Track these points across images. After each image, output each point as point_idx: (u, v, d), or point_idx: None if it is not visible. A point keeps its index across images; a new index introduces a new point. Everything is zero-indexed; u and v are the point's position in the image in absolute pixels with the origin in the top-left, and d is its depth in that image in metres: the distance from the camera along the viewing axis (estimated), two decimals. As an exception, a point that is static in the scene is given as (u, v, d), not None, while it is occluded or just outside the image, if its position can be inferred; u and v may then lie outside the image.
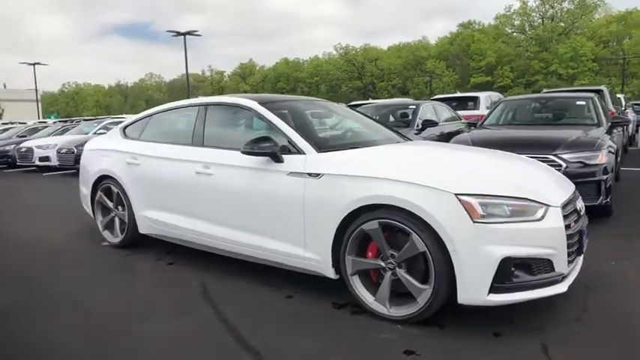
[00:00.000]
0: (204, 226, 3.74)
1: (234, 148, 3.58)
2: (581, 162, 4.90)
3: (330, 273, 3.08)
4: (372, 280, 2.98)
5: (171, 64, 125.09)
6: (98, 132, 13.80)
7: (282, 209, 3.23)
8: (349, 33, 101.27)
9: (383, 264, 2.86)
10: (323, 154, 3.22)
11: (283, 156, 3.26)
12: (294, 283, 3.42)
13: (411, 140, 4.21)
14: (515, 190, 2.69)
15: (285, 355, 2.50)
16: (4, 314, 3.12)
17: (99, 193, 4.68)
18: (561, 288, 2.67)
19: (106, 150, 4.67)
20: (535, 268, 2.60)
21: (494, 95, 13.02)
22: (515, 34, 57.74)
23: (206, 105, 4.05)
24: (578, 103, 6.60)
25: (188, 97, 35.75)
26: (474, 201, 2.58)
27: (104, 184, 4.62)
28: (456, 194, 2.60)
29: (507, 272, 2.55)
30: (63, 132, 15.30)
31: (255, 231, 3.42)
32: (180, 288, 3.51)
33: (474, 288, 2.56)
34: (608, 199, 4.95)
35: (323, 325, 2.86)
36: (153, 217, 4.17)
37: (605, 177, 4.89)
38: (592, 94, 6.61)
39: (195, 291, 3.44)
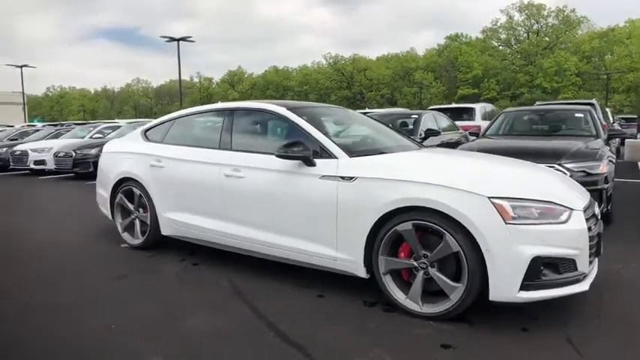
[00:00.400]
0: (232, 227, 3.85)
1: (265, 151, 3.73)
2: (584, 171, 5.11)
3: (362, 272, 3.22)
4: (402, 278, 3.13)
5: (159, 69, 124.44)
6: (94, 136, 13.79)
7: (314, 211, 3.37)
8: (338, 42, 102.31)
9: (415, 263, 3.01)
10: (355, 158, 3.37)
11: (315, 160, 3.40)
12: (323, 282, 3.55)
13: (427, 147, 4.39)
14: (541, 195, 2.88)
15: (330, 348, 2.62)
16: (58, 309, 3.19)
17: (119, 195, 4.76)
18: (583, 286, 2.84)
19: (127, 153, 4.75)
20: (561, 267, 2.78)
21: (489, 107, 13.41)
22: (501, 47, 58.98)
23: (232, 110, 4.18)
24: (576, 115, 6.88)
25: (180, 104, 35.58)
26: (505, 204, 2.75)
27: (125, 186, 4.70)
28: (489, 197, 2.78)
29: (536, 271, 2.72)
30: (57, 136, 15.22)
31: (285, 232, 3.54)
32: (211, 287, 3.61)
33: (505, 286, 2.72)
34: (609, 207, 5.19)
35: (358, 321, 2.99)
36: (176, 219, 4.26)
37: (606, 186, 5.12)
38: (589, 107, 6.90)
39: (227, 290, 3.55)
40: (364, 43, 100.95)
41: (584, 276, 2.87)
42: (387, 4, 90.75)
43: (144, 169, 4.49)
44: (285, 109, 3.86)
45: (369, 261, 3.18)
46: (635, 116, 29.60)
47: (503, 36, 58.39)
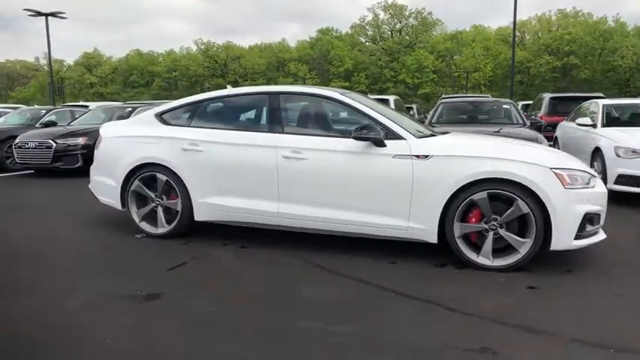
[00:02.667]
0: (293, 207, 4.01)
1: (326, 134, 3.99)
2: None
3: (434, 238, 3.71)
4: (470, 241, 3.69)
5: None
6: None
7: (387, 187, 3.75)
8: (206, 29, 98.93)
9: (486, 226, 3.59)
10: (422, 139, 3.83)
11: (385, 141, 3.77)
12: (389, 252, 3.95)
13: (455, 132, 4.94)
14: (579, 165, 3.68)
15: (435, 298, 3.06)
16: (166, 302, 3.07)
17: (136, 182, 4.49)
18: (602, 236, 3.71)
19: (145, 137, 4.50)
20: (594, 220, 3.61)
21: (398, 98, 14.81)
22: (368, 43, 63.17)
23: (277, 94, 4.28)
24: (504, 106, 8.18)
25: (52, 88, 31.29)
26: (563, 173, 3.49)
27: (145, 172, 4.46)
28: (551, 168, 3.48)
29: (583, 224, 3.51)
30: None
31: (355, 208, 3.85)
32: (289, 267, 3.75)
33: (565, 237, 3.46)
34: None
35: (440, 279, 3.48)
36: (220, 203, 4.23)
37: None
38: (511, 101, 8.25)
39: (306, 267, 3.74)
40: (233, 32, 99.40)
41: (601, 228, 3.76)
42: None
43: (173, 153, 4.33)
44: (337, 94, 4.13)
45: (441, 228, 3.68)
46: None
47: (370, 33, 62.62)
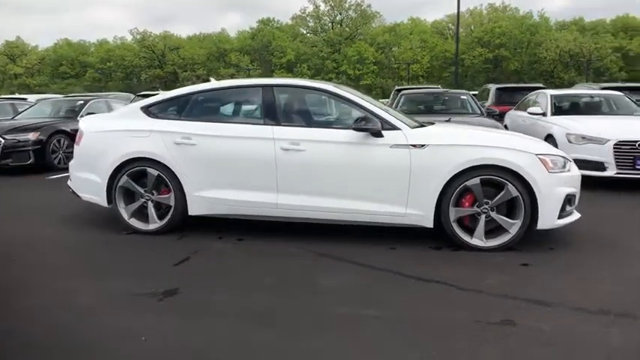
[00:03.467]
0: (291, 198, 4.07)
1: (324, 126, 4.09)
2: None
3: (430, 223, 3.93)
4: (463, 224, 3.95)
5: None
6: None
7: (386, 176, 3.91)
8: (139, 18, 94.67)
9: (479, 210, 3.86)
10: (416, 129, 4.02)
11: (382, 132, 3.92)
12: (385, 238, 4.13)
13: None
14: (557, 151, 4.03)
15: (444, 279, 3.26)
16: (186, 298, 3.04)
17: (124, 178, 4.35)
18: (578, 215, 4.10)
19: (132, 131, 4.36)
20: (572, 201, 3.98)
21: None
22: (309, 35, 63.27)
23: (270, 86, 4.30)
24: (462, 97, 8.62)
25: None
26: (547, 158, 3.81)
27: (134, 167, 4.34)
28: (536, 154, 3.79)
29: (564, 205, 3.86)
30: None
31: (354, 197, 3.98)
32: (295, 257, 3.81)
33: (549, 217, 3.80)
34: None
35: (440, 261, 3.71)
36: (214, 196, 4.21)
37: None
38: (468, 92, 8.71)
39: (311, 256, 3.83)
40: (168, 21, 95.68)
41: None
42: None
43: (165, 147, 4.24)
44: (332, 87, 4.23)
45: (436, 213, 3.90)
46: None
47: (311, 24, 62.75)
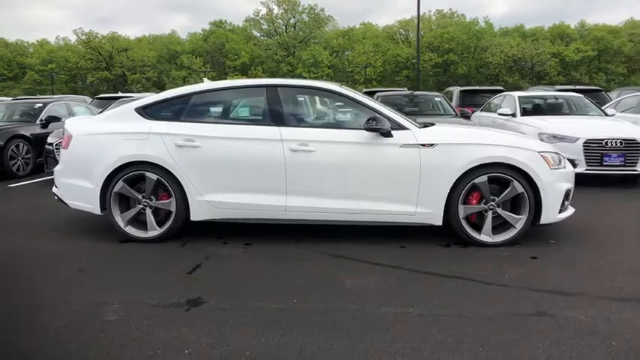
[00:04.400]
0: (302, 200, 4.01)
1: (332, 126, 4.07)
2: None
3: (439, 221, 3.99)
4: (471, 221, 4.04)
5: None
6: None
7: (396, 175, 3.94)
8: (82, 18, 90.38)
9: (485, 207, 3.96)
10: (423, 129, 4.08)
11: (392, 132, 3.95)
12: (393, 237, 4.16)
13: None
14: (554, 149, 4.21)
15: (463, 274, 3.35)
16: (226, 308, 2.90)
17: (120, 183, 4.13)
18: (572, 209, 4.30)
19: (128, 133, 4.15)
20: (568, 196, 4.17)
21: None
22: (262, 37, 62.85)
23: (275, 86, 4.22)
24: (436, 99, 8.84)
25: None
26: (548, 155, 3.98)
27: (131, 172, 4.13)
28: (539, 152, 3.95)
29: (564, 200, 4.04)
30: None
31: (364, 197, 3.98)
32: (307, 260, 3.76)
33: (551, 212, 3.96)
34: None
35: (452, 257, 3.78)
36: (219, 201, 4.08)
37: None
38: (441, 95, 8.95)
39: (324, 258, 3.79)
40: (113, 22, 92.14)
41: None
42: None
43: (165, 150, 4.06)
44: (338, 87, 4.22)
45: (445, 211, 3.98)
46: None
47: (265, 27, 62.36)
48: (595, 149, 6.66)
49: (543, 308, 2.78)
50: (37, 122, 8.85)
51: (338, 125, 4.28)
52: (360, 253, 3.84)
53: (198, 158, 4.06)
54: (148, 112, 4.28)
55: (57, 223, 4.85)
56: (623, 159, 6.55)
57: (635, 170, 6.58)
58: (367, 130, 3.89)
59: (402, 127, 4.01)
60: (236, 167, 4.05)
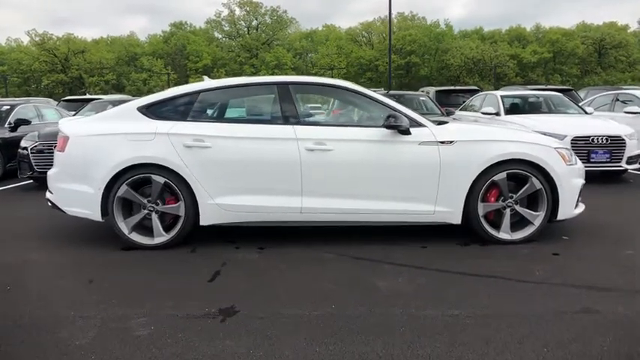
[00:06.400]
0: (318, 201, 3.87)
1: (348, 124, 3.96)
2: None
3: (458, 220, 3.95)
4: (489, 219, 4.02)
5: None
6: None
7: (416, 173, 3.87)
8: (36, 19, 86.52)
9: (504, 204, 3.95)
10: (441, 126, 4.03)
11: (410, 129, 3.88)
12: (414, 237, 4.08)
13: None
14: (567, 145, 4.25)
15: (494, 272, 3.31)
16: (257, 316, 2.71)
17: (124, 187, 3.87)
18: (583, 206, 4.34)
19: (134, 133, 3.89)
20: (582, 192, 4.22)
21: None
22: (224, 39, 61.97)
23: (286, 84, 4.07)
24: (421, 99, 8.88)
25: None
26: (564, 152, 4.00)
27: (136, 175, 3.87)
28: (554, 148, 3.96)
29: (578, 196, 4.08)
30: None
31: (383, 197, 3.89)
32: (329, 263, 3.63)
33: (568, 207, 3.99)
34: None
35: (477, 256, 3.74)
36: (231, 203, 3.88)
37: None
38: (426, 94, 9.00)
39: (353, 261, 3.66)
40: (69, 23, 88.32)
41: (579, 199, 4.41)
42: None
43: (173, 151, 3.83)
44: (350, 84, 4.12)
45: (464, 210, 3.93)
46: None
47: (226, 28, 61.53)
48: (582, 146, 6.82)
49: (587, 304, 2.76)
50: (6, 125, 8.28)
51: (354, 123, 4.17)
52: (383, 254, 3.74)
53: (209, 159, 3.85)
54: (152, 111, 4.03)
55: (48, 232, 4.50)
56: (609, 155, 6.76)
57: (621, 166, 6.80)
58: (387, 127, 3.80)
59: (419, 125, 3.94)
60: (248, 168, 3.87)
